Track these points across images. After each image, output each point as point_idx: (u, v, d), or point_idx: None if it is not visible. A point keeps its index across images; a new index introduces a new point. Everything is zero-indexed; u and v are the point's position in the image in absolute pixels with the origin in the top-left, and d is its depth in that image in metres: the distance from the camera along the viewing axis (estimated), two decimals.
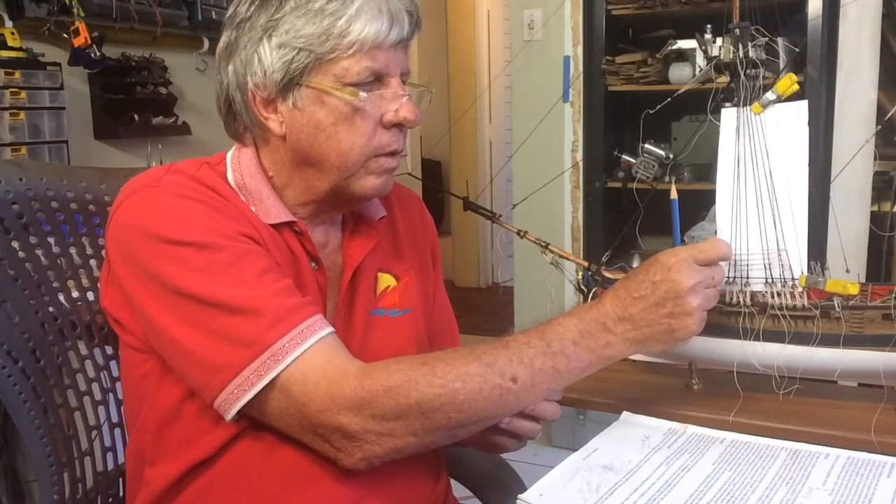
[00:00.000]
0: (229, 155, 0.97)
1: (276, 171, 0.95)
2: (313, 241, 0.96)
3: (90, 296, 1.10)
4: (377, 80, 0.90)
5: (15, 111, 2.40)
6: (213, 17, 3.07)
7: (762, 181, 1.08)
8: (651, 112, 1.25)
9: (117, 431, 1.13)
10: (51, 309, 1.04)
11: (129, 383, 0.96)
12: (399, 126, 0.92)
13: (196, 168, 0.93)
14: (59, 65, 2.54)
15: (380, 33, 0.87)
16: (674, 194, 1.01)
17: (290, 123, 0.91)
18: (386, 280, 1.03)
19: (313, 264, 0.95)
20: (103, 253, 1.08)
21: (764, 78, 1.09)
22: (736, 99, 1.09)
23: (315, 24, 0.86)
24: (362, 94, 0.88)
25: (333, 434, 0.81)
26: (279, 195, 0.95)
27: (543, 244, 1.18)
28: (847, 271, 1.07)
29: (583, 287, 1.18)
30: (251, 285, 0.83)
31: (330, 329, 0.84)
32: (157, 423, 0.91)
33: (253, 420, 0.86)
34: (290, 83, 0.89)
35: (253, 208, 0.92)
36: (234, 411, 0.82)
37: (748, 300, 1.06)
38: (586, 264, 1.18)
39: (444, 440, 0.85)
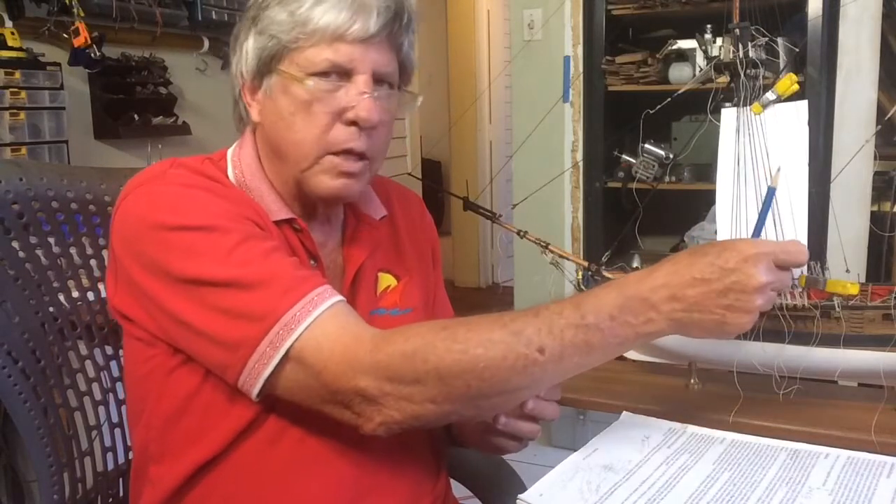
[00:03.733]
0: (230, 152, 0.97)
1: (264, 160, 0.96)
2: (313, 239, 0.96)
3: (90, 296, 1.10)
4: (343, 74, 0.89)
5: (15, 111, 2.39)
6: (213, 17, 3.06)
7: (762, 181, 1.08)
8: (651, 112, 1.26)
9: (117, 431, 1.13)
10: (51, 309, 1.04)
11: (133, 380, 0.96)
12: (357, 125, 0.89)
13: (199, 162, 0.94)
14: (59, 65, 2.53)
15: (340, 23, 0.86)
16: (774, 182, 0.95)
17: (262, 110, 0.93)
18: (386, 280, 1.03)
19: (312, 262, 0.95)
20: (104, 253, 1.09)
21: (764, 78, 1.09)
22: (736, 99, 1.09)
23: (286, 11, 0.88)
24: (309, 83, 0.88)
25: (353, 399, 0.79)
26: (275, 188, 0.95)
27: (543, 244, 1.18)
28: (847, 271, 1.07)
29: (583, 287, 1.18)
30: (260, 262, 0.83)
31: (340, 297, 0.83)
32: (162, 420, 0.91)
33: (266, 408, 0.86)
34: (262, 70, 0.91)
35: None
36: (257, 389, 0.81)
37: None
38: (586, 264, 1.18)
39: (466, 410, 0.81)
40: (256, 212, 0.90)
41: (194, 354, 0.86)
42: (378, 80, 0.91)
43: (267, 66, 0.90)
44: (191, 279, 0.82)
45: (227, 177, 0.94)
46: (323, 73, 0.88)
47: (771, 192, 0.94)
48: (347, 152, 0.90)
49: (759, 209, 0.92)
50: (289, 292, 0.80)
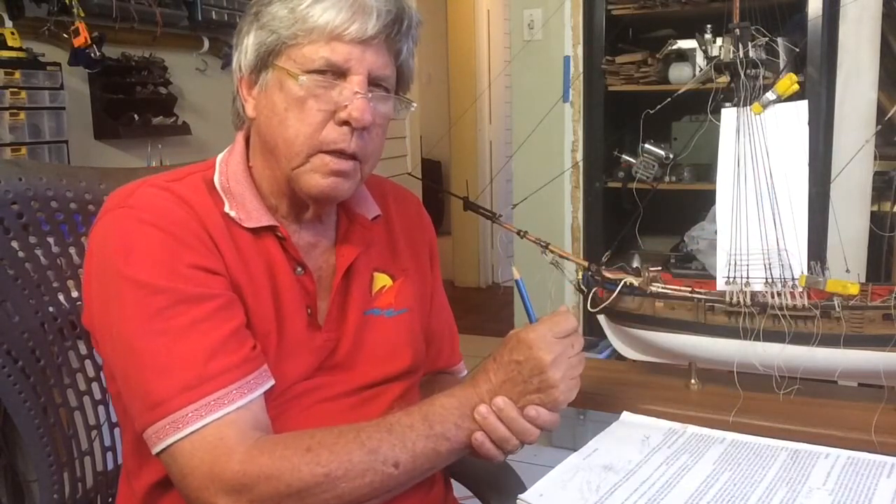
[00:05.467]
0: (219, 158, 0.98)
1: (254, 160, 0.96)
2: (301, 243, 0.96)
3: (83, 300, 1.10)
4: (338, 74, 0.89)
5: (15, 111, 2.39)
6: (213, 17, 3.05)
7: (762, 181, 1.08)
8: (651, 112, 1.26)
9: (117, 431, 1.13)
10: (51, 309, 1.04)
11: (113, 395, 0.96)
12: (349, 125, 0.89)
13: (176, 178, 0.93)
14: (59, 65, 2.53)
15: (338, 23, 0.86)
16: (517, 275, 0.96)
17: (257, 105, 0.93)
18: (381, 280, 1.03)
19: (299, 269, 0.95)
20: None
21: (764, 78, 1.09)
22: (736, 99, 1.09)
23: (286, 8, 0.88)
24: (302, 78, 0.88)
25: None
26: (261, 192, 0.95)
27: (543, 244, 1.18)
28: (847, 271, 1.07)
29: (583, 287, 1.18)
30: (175, 338, 0.82)
31: (243, 402, 0.83)
32: (135, 435, 0.91)
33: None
34: (259, 65, 0.91)
35: (234, 213, 0.92)
36: (153, 454, 0.83)
37: (748, 300, 1.06)
38: (586, 264, 1.18)
39: None
40: (217, 246, 0.88)
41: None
42: (373, 82, 0.90)
43: (264, 61, 0.91)
44: (115, 328, 0.84)
45: (212, 185, 0.93)
46: (318, 71, 0.88)
47: (521, 283, 0.95)
48: (338, 152, 0.90)
49: (525, 300, 0.94)
50: (188, 390, 0.80)
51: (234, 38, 0.96)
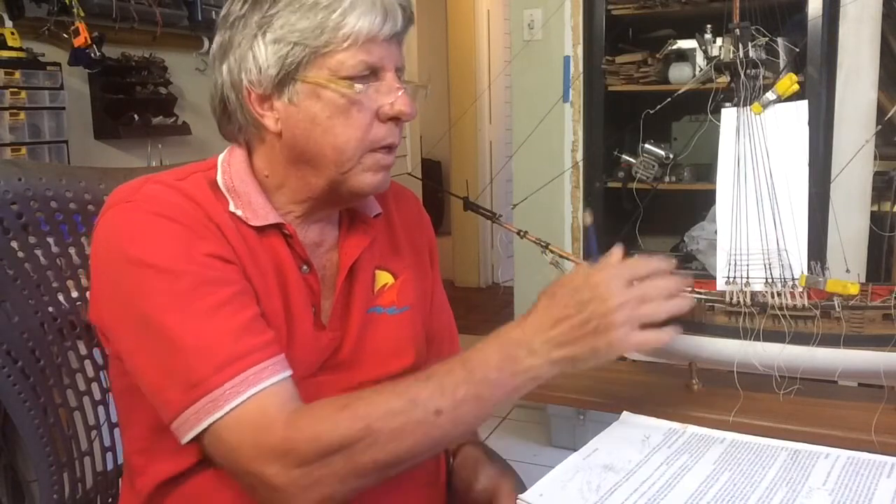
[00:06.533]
0: (220, 158, 0.97)
1: (272, 170, 0.95)
2: (306, 241, 0.96)
3: (90, 296, 1.10)
4: (372, 73, 0.90)
5: (15, 111, 2.40)
6: (213, 17, 3.06)
7: (762, 181, 1.08)
8: (651, 112, 1.26)
9: (117, 431, 1.13)
10: (50, 309, 1.04)
11: (118, 393, 0.96)
12: (395, 120, 0.92)
13: (180, 176, 0.92)
14: (59, 65, 2.53)
15: (374, 26, 0.87)
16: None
17: (285, 119, 0.91)
18: (384, 277, 1.03)
19: (304, 268, 0.95)
20: None
21: (764, 78, 1.09)
22: (736, 99, 1.09)
23: (309, 18, 0.87)
24: (358, 87, 0.88)
25: (260, 485, 0.80)
26: (271, 196, 0.94)
27: (543, 244, 1.19)
28: (847, 271, 1.07)
29: None
30: (203, 318, 0.82)
31: (276, 378, 0.83)
32: (149, 431, 0.91)
33: None
34: (285, 78, 0.89)
35: (240, 212, 0.91)
36: (185, 441, 0.83)
37: (748, 300, 1.07)
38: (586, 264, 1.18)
39: (375, 482, 0.83)
40: (227, 239, 0.88)
41: (136, 381, 0.87)
42: (397, 74, 0.93)
43: (291, 74, 0.89)
44: (138, 316, 0.83)
45: (214, 185, 0.93)
46: (357, 76, 0.89)
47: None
48: (387, 147, 0.92)
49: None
50: (224, 368, 0.80)
51: (218, 53, 0.93)
